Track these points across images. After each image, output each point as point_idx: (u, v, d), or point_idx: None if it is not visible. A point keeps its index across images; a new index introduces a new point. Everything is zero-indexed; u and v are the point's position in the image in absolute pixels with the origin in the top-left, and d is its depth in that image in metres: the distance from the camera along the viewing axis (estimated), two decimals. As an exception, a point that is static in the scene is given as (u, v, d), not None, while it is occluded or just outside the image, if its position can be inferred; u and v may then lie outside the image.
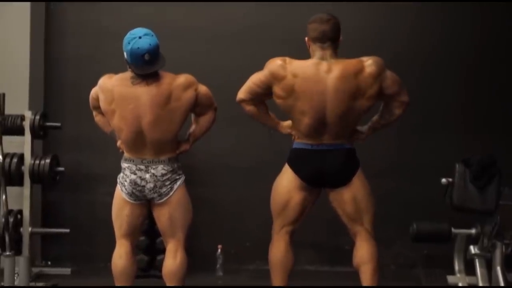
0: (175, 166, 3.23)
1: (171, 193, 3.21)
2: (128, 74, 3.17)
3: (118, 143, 3.34)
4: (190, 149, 3.39)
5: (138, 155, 3.19)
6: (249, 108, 3.34)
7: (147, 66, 3.07)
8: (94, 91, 3.28)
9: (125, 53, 3.09)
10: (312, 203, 3.36)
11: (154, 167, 3.17)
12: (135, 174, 3.18)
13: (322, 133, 3.24)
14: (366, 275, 3.28)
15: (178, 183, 3.23)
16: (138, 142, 3.17)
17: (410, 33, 5.07)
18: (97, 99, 3.24)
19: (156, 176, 3.17)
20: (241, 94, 3.32)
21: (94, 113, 3.39)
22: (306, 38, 3.26)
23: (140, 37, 3.04)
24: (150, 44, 3.03)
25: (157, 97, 3.11)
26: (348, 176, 3.30)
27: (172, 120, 3.16)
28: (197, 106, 3.28)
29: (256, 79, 3.27)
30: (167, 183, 3.19)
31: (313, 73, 3.14)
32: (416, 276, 4.64)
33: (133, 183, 3.18)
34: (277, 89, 3.20)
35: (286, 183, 3.32)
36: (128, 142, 3.19)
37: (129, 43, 3.04)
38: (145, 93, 3.11)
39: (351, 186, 3.31)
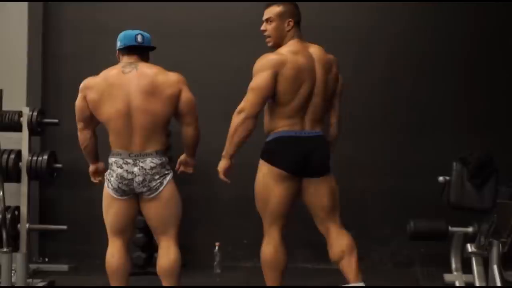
0: (163, 160, 3.21)
1: (161, 188, 3.19)
2: (118, 66, 3.25)
3: (91, 168, 3.41)
4: (190, 161, 3.46)
5: (126, 146, 3.17)
6: (253, 124, 3.26)
7: (139, 47, 3.26)
8: (78, 100, 3.27)
9: (118, 43, 3.28)
10: (295, 194, 3.35)
11: (142, 160, 3.15)
12: (121, 168, 3.16)
13: (305, 115, 3.31)
14: (352, 267, 3.28)
15: (168, 178, 3.22)
16: (126, 129, 3.16)
17: (406, 32, 5.08)
18: (85, 105, 3.24)
19: (145, 169, 3.15)
20: (252, 109, 3.23)
21: (81, 125, 3.32)
22: (291, 21, 3.35)
23: (132, 30, 3.32)
24: (142, 31, 3.29)
25: (144, 84, 3.16)
26: (328, 166, 3.37)
27: (157, 110, 3.17)
28: (178, 110, 3.24)
29: (262, 84, 3.24)
30: (157, 177, 3.17)
31: (300, 49, 3.33)
32: (413, 274, 4.64)
33: (119, 177, 3.16)
34: (286, 71, 3.24)
35: (264, 179, 3.31)
36: (117, 130, 3.18)
37: (123, 32, 3.30)
38: (135, 79, 3.17)
39: (327, 178, 3.38)
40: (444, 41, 5.06)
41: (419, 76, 5.07)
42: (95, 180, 3.48)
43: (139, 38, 3.25)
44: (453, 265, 4.20)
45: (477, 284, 3.85)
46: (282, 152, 3.29)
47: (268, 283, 3.34)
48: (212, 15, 5.09)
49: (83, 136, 3.33)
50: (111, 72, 3.24)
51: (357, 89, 5.05)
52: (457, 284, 4.14)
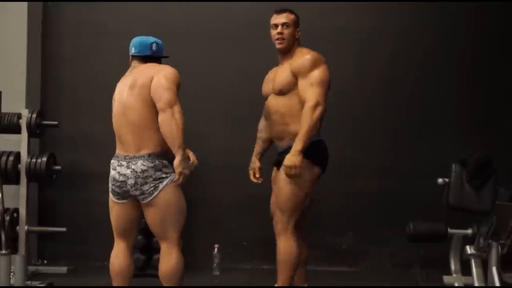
0: (157, 163, 3.11)
1: (155, 193, 3.10)
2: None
3: None
4: (176, 163, 3.05)
5: (124, 148, 3.16)
6: None
7: (152, 56, 3.28)
8: None
9: (132, 49, 3.29)
10: None
11: (134, 162, 3.11)
12: (115, 169, 3.16)
13: None
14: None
15: (165, 182, 3.12)
16: (123, 129, 3.17)
17: (407, 32, 5.07)
18: None
19: (136, 172, 3.09)
20: (325, 102, 3.34)
21: None
22: (299, 30, 3.54)
23: (147, 37, 3.35)
24: (157, 39, 3.33)
25: (132, 80, 3.18)
26: None
27: (134, 104, 3.13)
28: (152, 93, 3.12)
29: (328, 77, 3.39)
30: (149, 180, 3.09)
31: None
32: (413, 276, 4.64)
33: (112, 179, 3.17)
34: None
35: (311, 178, 3.39)
36: (116, 131, 3.23)
37: (137, 38, 3.33)
38: (129, 78, 3.21)
39: None
40: (445, 41, 5.05)
41: (420, 76, 5.06)
42: None
43: (154, 47, 3.29)
44: (452, 267, 4.20)
45: (476, 285, 3.85)
46: (325, 155, 3.45)
47: (285, 283, 3.34)
48: (211, 15, 5.08)
49: None
50: (122, 77, 3.33)
51: (358, 89, 5.06)
52: (456, 285, 4.14)
